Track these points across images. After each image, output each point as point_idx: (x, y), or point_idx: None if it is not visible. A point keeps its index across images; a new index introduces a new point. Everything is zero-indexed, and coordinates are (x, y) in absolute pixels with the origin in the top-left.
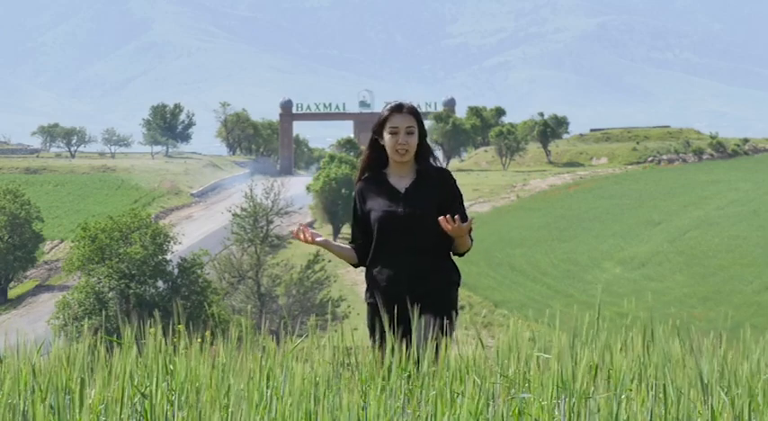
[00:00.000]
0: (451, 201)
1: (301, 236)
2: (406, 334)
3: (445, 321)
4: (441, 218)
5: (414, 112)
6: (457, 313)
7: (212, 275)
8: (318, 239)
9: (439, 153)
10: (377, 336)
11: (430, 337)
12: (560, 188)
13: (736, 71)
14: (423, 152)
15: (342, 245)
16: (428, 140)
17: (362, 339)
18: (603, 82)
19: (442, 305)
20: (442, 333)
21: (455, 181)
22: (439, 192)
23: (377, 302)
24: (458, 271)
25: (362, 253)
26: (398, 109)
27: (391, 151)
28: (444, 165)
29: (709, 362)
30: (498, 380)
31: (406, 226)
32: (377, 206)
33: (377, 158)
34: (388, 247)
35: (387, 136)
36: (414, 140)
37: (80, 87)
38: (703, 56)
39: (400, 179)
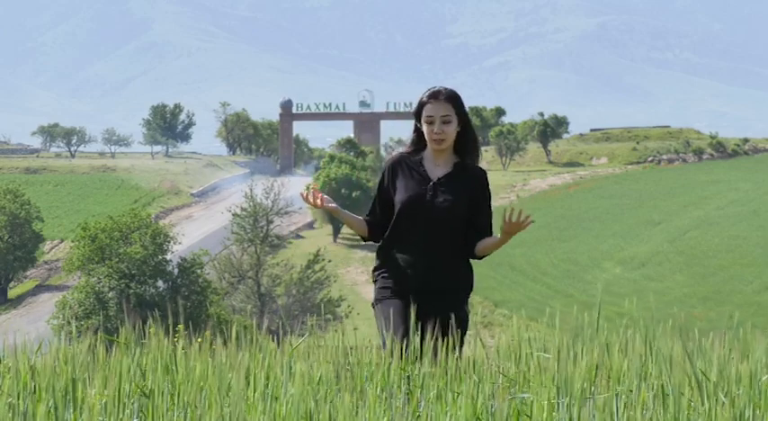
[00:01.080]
0: (480, 202)
1: (311, 199)
2: (419, 326)
3: (455, 327)
4: (507, 213)
5: (452, 99)
6: (467, 319)
7: (212, 275)
8: (329, 204)
9: None
10: (385, 309)
11: (441, 338)
12: (560, 188)
13: (736, 71)
14: (464, 144)
15: (353, 215)
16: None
17: (362, 339)
18: (603, 82)
19: (455, 308)
20: (452, 336)
21: (488, 184)
22: (470, 190)
23: (386, 286)
24: (473, 278)
25: (375, 228)
26: (435, 96)
27: (428, 140)
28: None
29: (709, 362)
30: (498, 381)
31: (429, 215)
32: (404, 188)
33: (419, 142)
34: (407, 234)
35: (424, 125)
36: (450, 129)
37: (80, 87)
38: (703, 56)
39: (435, 167)
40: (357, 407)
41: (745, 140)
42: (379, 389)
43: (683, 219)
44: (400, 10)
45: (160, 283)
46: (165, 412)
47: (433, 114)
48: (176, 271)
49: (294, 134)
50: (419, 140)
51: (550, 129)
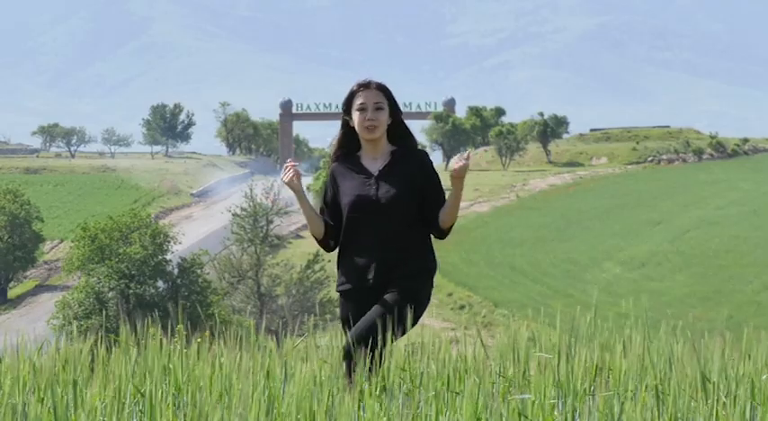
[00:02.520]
0: (428, 183)
1: (289, 175)
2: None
3: (409, 308)
4: (453, 162)
5: (383, 89)
6: (428, 301)
7: (212, 275)
8: (295, 184)
9: (438, 153)
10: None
11: (387, 317)
12: (560, 188)
13: (736, 71)
14: (397, 132)
15: (315, 210)
16: (427, 138)
17: None
18: (603, 82)
19: (411, 290)
20: (402, 317)
21: (432, 162)
22: (413, 174)
23: (348, 292)
24: (434, 258)
25: (329, 233)
26: (366, 85)
27: (360, 129)
28: (444, 165)
29: (709, 361)
30: (498, 381)
31: (379, 210)
32: (348, 189)
33: (350, 140)
34: (360, 233)
35: (355, 114)
36: (383, 116)
37: (80, 87)
38: (703, 56)
39: (373, 161)
40: (357, 408)
41: (745, 140)
42: (378, 389)
43: (683, 219)
44: (400, 10)
45: (160, 283)
46: (165, 412)
47: (365, 101)
48: (176, 271)
49: (294, 134)
50: (348, 141)
51: (550, 129)
